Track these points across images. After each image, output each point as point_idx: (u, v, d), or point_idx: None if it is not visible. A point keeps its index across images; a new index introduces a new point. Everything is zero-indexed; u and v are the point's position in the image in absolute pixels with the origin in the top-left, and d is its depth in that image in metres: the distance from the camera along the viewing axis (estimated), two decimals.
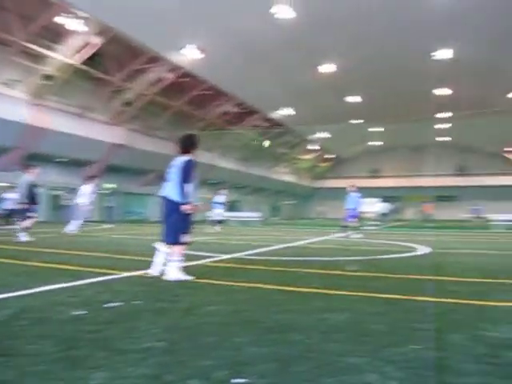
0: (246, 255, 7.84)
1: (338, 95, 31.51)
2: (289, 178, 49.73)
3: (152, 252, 5.37)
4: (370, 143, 50.43)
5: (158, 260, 5.19)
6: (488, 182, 47.09)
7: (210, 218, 19.05)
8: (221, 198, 18.69)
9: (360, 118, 36.28)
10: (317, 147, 49.36)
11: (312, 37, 22.07)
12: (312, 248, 10.08)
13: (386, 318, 3.38)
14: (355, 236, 13.88)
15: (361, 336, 2.88)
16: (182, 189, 5.00)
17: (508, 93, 29.48)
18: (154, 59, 24.39)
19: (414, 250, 9.47)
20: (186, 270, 5.24)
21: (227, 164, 36.33)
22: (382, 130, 42.14)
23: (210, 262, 6.82)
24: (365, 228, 20.82)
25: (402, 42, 22.72)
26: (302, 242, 11.58)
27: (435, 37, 22.48)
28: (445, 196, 50.68)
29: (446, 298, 4.14)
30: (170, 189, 5.11)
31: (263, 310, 3.62)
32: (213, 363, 2.33)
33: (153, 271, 5.18)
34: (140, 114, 28.07)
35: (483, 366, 2.37)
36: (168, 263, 5.06)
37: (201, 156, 32.28)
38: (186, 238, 5.10)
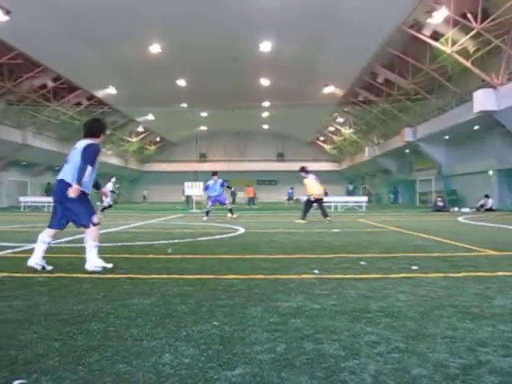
0: (56, 243, 7.21)
1: (166, 78, 31.06)
2: (115, 160, 47.43)
3: None
4: (199, 128, 51.20)
5: (39, 250, 4.68)
6: None
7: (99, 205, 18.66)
8: (109, 185, 19.17)
9: (187, 103, 36.48)
10: (145, 130, 48.10)
11: (136, 13, 21.13)
12: (132, 232, 9.83)
13: (193, 298, 3.46)
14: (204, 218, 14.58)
15: (164, 318, 2.90)
16: (79, 172, 4.64)
17: (323, 88, 32.86)
18: None
19: (233, 231, 9.99)
20: None
21: (43, 144, 32.82)
22: (206, 115, 43.15)
23: (13, 252, 6.10)
24: (191, 211, 21.24)
25: (230, 28, 23.06)
26: (123, 227, 11.21)
27: (259, 28, 23.68)
28: (267, 180, 54.91)
29: (252, 275, 4.45)
30: (68, 172, 4.78)
31: (64, 301, 3.37)
32: None
33: (32, 262, 4.62)
34: None
35: (272, 334, 2.60)
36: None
37: (9, 134, 28.63)
38: (95, 218, 4.79)
